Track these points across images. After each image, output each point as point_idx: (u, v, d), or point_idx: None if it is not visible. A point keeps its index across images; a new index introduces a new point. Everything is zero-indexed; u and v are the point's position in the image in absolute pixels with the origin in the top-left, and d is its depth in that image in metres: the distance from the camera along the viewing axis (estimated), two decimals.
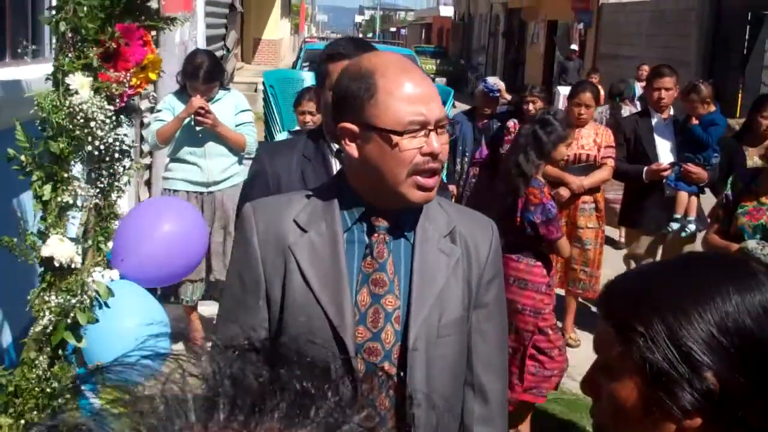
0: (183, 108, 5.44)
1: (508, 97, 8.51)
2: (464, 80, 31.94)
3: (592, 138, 6.78)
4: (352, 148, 1.85)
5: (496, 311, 2.11)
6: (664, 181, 6.56)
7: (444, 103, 8.77)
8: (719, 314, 1.24)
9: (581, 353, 6.79)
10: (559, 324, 7.12)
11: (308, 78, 8.05)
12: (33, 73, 3.69)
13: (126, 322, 2.88)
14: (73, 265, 2.40)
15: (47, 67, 4.26)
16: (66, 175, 2.39)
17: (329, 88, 2.94)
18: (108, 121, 2.39)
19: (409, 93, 1.81)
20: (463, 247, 1.99)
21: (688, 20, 20.81)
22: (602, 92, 6.90)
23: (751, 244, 4.05)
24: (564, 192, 6.68)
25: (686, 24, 20.86)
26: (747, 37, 19.47)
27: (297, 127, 6.16)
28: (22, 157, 2.41)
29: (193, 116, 5.49)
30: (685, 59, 20.23)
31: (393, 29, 78.39)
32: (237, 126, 5.77)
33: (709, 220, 4.71)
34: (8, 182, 4.24)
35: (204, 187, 5.74)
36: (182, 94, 5.61)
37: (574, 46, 23.12)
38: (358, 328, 1.89)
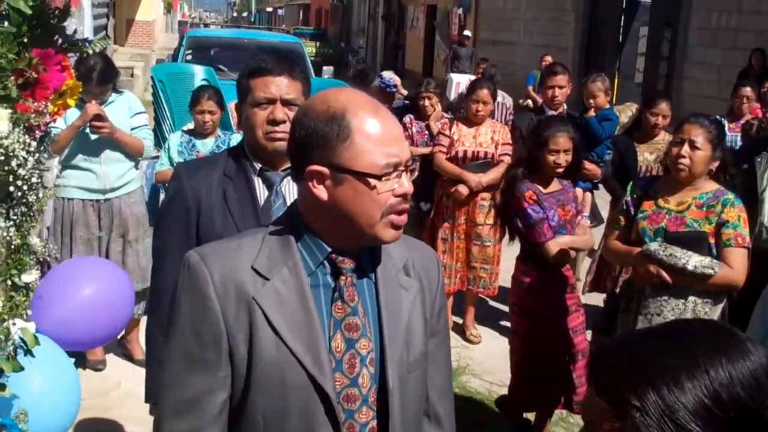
0: (77, 114, 5.19)
1: (404, 92, 8.52)
2: (345, 63, 31.86)
3: (490, 135, 6.86)
4: (321, 191, 1.80)
5: (444, 338, 2.13)
6: None
7: None
8: (713, 386, 1.24)
9: (482, 349, 6.91)
10: (459, 320, 7.23)
11: (200, 72, 7.84)
12: None
13: (33, 381, 2.72)
14: None
15: None
16: None
17: (251, 104, 2.85)
18: (31, 159, 2.23)
19: (384, 134, 1.78)
20: (417, 278, 1.99)
21: (565, 6, 21.35)
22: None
23: (653, 246, 4.16)
24: (463, 189, 6.74)
25: (564, 10, 21.39)
26: (622, 23, 20.10)
27: (190, 126, 5.99)
28: None
29: (88, 124, 5.26)
30: (563, 45, 20.77)
31: (269, 9, 77.49)
32: (132, 129, 5.57)
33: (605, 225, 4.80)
34: None
35: (101, 194, 5.51)
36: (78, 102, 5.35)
37: (467, 32, 23.13)
38: (335, 375, 1.83)
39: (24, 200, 2.32)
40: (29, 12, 2.14)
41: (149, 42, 30.05)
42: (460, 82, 11.66)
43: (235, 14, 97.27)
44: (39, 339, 2.47)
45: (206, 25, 27.60)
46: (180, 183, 2.91)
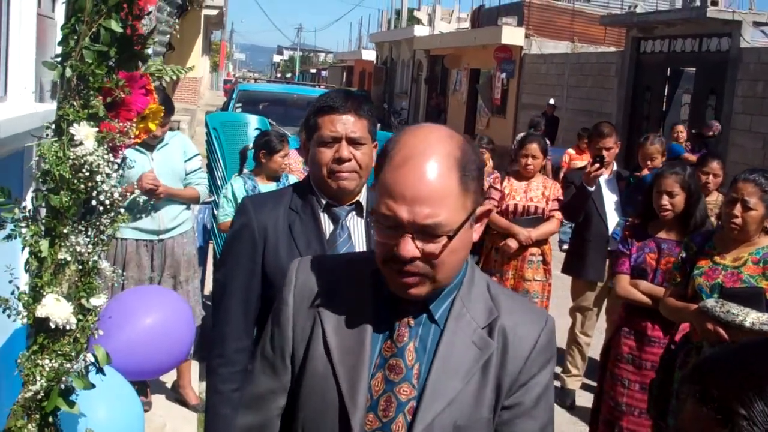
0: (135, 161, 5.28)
1: None
2: (387, 124, 32.13)
3: (541, 190, 6.86)
4: None
5: (530, 414, 1.88)
6: (609, 235, 6.66)
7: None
8: None
9: None
10: None
11: (253, 121, 7.93)
12: None
13: (98, 409, 2.73)
14: (68, 327, 2.24)
15: (5, 107, 4.09)
16: (65, 230, 2.24)
17: (317, 143, 2.87)
18: (115, 174, 2.26)
19: (393, 185, 1.73)
20: (500, 341, 1.84)
21: (609, 73, 21.43)
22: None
23: (710, 303, 4.11)
24: (512, 243, 6.71)
25: (607, 77, 21.47)
26: (666, 91, 20.12)
27: (246, 172, 6.09)
28: (6, 213, 2.26)
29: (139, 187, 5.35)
30: (606, 111, 20.80)
31: (313, 70, 78.65)
32: (188, 174, 5.64)
33: (665, 284, 4.78)
34: None
35: (155, 235, 5.55)
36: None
37: (552, 101, 21.87)
38: (368, 414, 1.79)
39: (102, 218, 2.34)
40: (120, 31, 2.19)
41: (195, 98, 30.59)
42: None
43: (278, 75, 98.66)
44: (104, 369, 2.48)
45: (255, 80, 27.95)
46: (247, 216, 2.91)
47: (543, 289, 6.87)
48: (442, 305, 1.83)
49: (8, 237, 2.28)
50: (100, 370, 2.33)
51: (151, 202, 5.44)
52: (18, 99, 4.30)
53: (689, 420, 1.33)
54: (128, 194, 5.21)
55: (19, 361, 2.23)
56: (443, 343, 1.80)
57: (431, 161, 1.71)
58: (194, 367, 6.25)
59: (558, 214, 6.81)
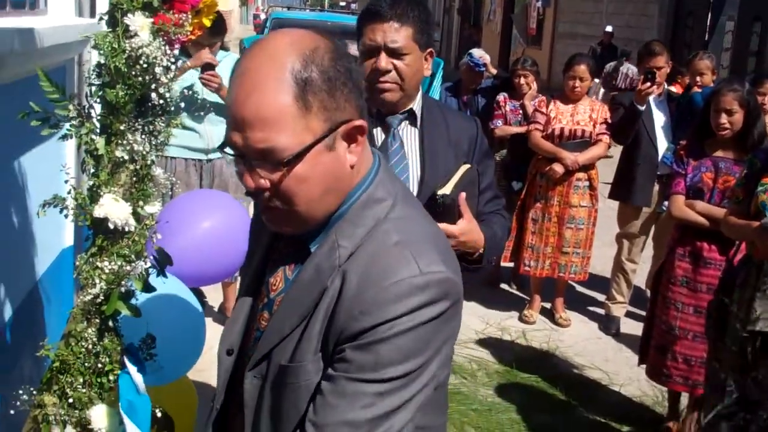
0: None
1: (494, 71, 8.34)
2: None
3: (588, 113, 6.68)
4: None
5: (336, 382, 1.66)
6: (659, 159, 6.49)
7: (433, 75, 8.58)
8: None
9: (572, 332, 6.74)
10: (548, 305, 7.06)
11: None
12: (38, 24, 3.42)
13: (159, 314, 2.67)
14: (127, 228, 2.16)
15: (47, 20, 3.99)
16: (122, 127, 2.15)
17: (360, 53, 2.75)
18: (172, 68, 2.16)
19: (227, 107, 1.61)
20: (338, 283, 1.63)
21: (650, 0, 20.89)
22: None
23: None
24: (558, 168, 6.56)
25: (648, 3, 20.93)
26: (708, 19, 19.59)
27: None
28: (59, 110, 2.16)
29: (198, 76, 5.21)
30: (645, 39, 20.28)
31: (342, 3, 77.74)
32: None
33: (726, 200, 4.63)
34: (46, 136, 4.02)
35: (203, 155, 5.48)
36: (180, 51, 5.32)
37: (609, 28, 20.31)
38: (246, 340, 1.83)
39: (150, 122, 2.24)
40: None
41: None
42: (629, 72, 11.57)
43: (308, 9, 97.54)
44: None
45: (288, 8, 27.58)
46: None
47: (589, 215, 6.73)
48: (320, 240, 1.65)
49: (63, 137, 2.19)
50: (161, 272, 2.25)
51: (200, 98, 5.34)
52: (58, 13, 4.20)
53: None
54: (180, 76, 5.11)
55: (77, 263, 2.16)
56: (295, 277, 1.68)
57: (257, 77, 1.52)
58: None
59: (606, 138, 6.64)
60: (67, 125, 2.18)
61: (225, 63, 5.50)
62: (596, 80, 7.53)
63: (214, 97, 5.41)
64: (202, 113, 5.39)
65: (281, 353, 1.62)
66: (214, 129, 5.47)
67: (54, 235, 4.47)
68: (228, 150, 1.57)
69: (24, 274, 3.91)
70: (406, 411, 1.54)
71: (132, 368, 2.23)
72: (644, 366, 5.30)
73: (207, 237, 3.22)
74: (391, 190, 1.67)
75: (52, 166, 4.05)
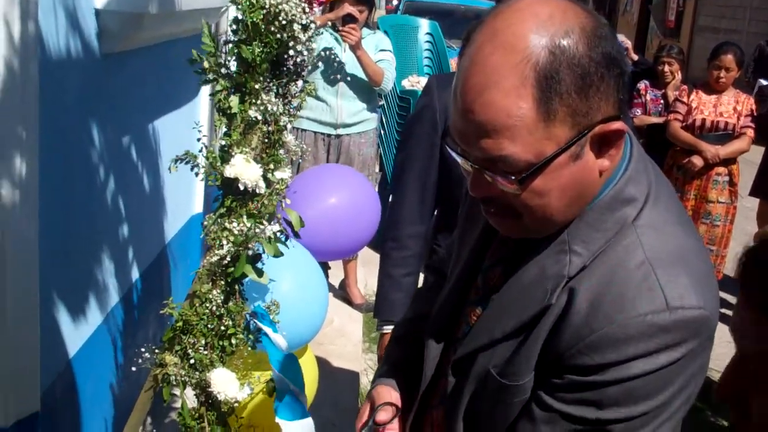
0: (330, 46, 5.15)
1: (635, 57, 8.03)
2: None
3: (732, 105, 6.35)
4: None
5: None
6: None
7: None
8: None
9: None
10: None
11: (425, 25, 7.68)
12: None
13: (285, 281, 2.63)
14: (257, 190, 2.11)
15: None
16: (256, 86, 2.10)
17: None
18: (312, 26, 2.09)
19: (452, 93, 1.34)
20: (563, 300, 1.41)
21: None
22: None
23: None
24: (697, 161, 6.27)
25: None
26: None
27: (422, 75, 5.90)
28: (205, 63, 2.13)
29: (338, 29, 5.17)
30: None
31: None
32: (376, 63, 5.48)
33: None
34: (185, 94, 4.09)
35: (332, 129, 5.46)
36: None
37: None
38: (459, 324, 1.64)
39: (296, 77, 2.18)
40: None
41: None
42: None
43: None
44: (290, 243, 2.36)
45: None
46: (430, 97, 2.75)
47: (727, 212, 6.40)
48: (550, 237, 1.41)
49: (206, 82, 2.15)
50: (294, 234, 2.20)
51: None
52: None
53: (738, 325, 1.05)
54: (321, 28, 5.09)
55: (205, 224, 2.13)
56: (516, 274, 1.43)
57: (489, 71, 1.24)
58: (361, 266, 6.21)
59: (750, 131, 6.30)
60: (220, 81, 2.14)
61: (368, 40, 5.44)
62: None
63: (351, 68, 5.37)
64: (337, 77, 5.35)
65: (489, 357, 1.44)
66: (345, 104, 5.43)
67: (185, 201, 4.52)
68: (450, 143, 1.35)
69: (154, 237, 3.97)
70: None
71: (268, 329, 2.19)
72: None
73: (335, 211, 3.17)
74: (643, 188, 1.38)
75: (186, 131, 4.10)
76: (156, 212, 3.92)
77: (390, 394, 1.65)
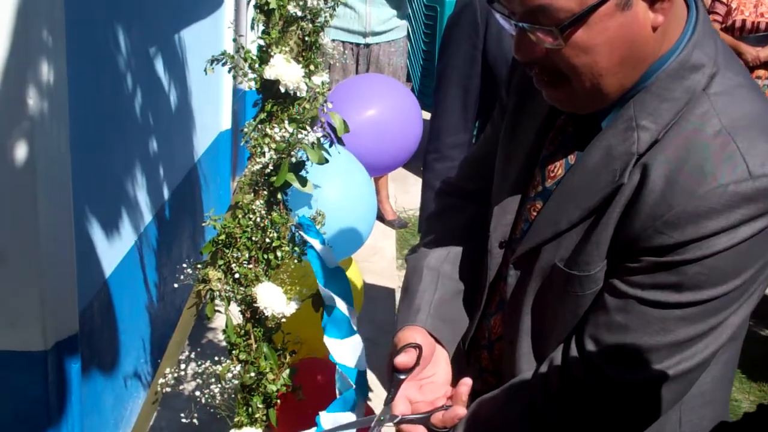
0: None
1: None
2: None
3: None
4: None
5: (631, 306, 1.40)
6: None
7: None
8: None
9: None
10: None
11: None
12: None
13: (331, 190, 2.52)
14: (298, 93, 1.98)
15: None
16: None
17: None
18: None
19: None
20: (637, 177, 1.33)
21: None
22: None
23: None
24: None
25: None
26: None
27: None
28: None
29: None
30: None
31: None
32: None
33: None
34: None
35: (361, 37, 5.28)
36: None
37: None
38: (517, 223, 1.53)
39: None
40: None
41: None
42: None
43: None
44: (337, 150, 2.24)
45: None
46: None
47: None
48: (614, 115, 1.31)
49: None
50: (338, 140, 2.07)
51: None
52: None
53: None
54: None
55: (245, 130, 2.01)
56: (579, 160, 1.35)
57: None
58: (391, 182, 6.10)
59: None
60: None
61: None
62: None
63: None
64: None
65: (555, 250, 1.35)
66: (374, 11, 5.24)
67: (213, 117, 4.41)
68: (496, 6, 1.26)
69: (184, 153, 3.87)
70: (713, 336, 1.25)
71: (315, 241, 2.08)
72: None
73: (378, 122, 3.03)
74: (711, 53, 1.26)
75: (214, 40, 3.95)
76: (185, 128, 3.82)
77: (413, 335, 1.52)
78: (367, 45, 5.33)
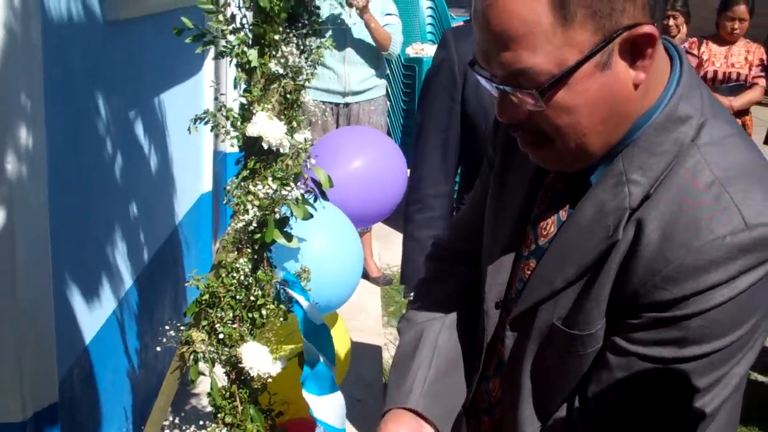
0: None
1: None
2: None
3: (743, 56, 6.22)
4: None
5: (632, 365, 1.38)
6: None
7: None
8: None
9: None
10: None
11: None
12: None
13: (316, 245, 2.49)
14: (281, 150, 1.97)
15: None
16: (276, 37, 1.95)
17: None
18: None
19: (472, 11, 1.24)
20: (631, 233, 1.30)
21: None
22: None
23: None
24: None
25: None
26: None
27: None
28: (213, 22, 1.98)
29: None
30: None
31: None
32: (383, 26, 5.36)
33: None
34: (190, 65, 3.94)
35: (340, 97, 5.31)
36: None
37: None
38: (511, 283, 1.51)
39: (312, 32, 2.04)
40: None
41: None
42: None
43: None
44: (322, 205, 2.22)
45: None
46: (447, 50, 2.62)
47: None
48: (603, 170, 1.29)
49: (220, 55, 2.01)
50: (322, 195, 2.06)
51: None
52: None
53: None
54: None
55: (228, 188, 1.99)
56: (571, 217, 1.32)
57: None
58: (375, 240, 6.08)
59: (762, 81, 6.18)
60: (222, 42, 1.99)
61: (374, 3, 5.30)
62: None
63: (358, 33, 5.24)
64: (344, 43, 5.21)
65: (552, 309, 1.33)
66: (353, 71, 5.29)
67: (193, 179, 4.39)
68: (477, 69, 1.25)
69: (164, 217, 3.84)
70: (719, 388, 1.23)
71: (300, 297, 2.05)
72: None
73: (362, 174, 3.02)
74: (697, 104, 1.25)
75: (192, 104, 3.95)
76: (166, 191, 3.79)
77: (397, 428, 1.48)
78: (347, 104, 5.36)
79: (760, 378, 4.90)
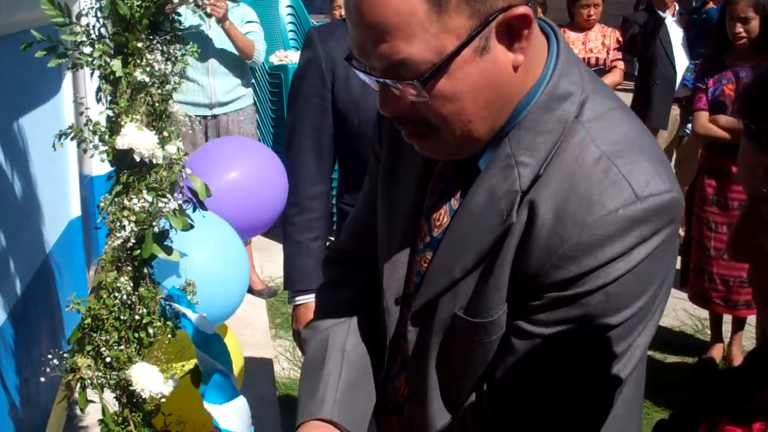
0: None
1: None
2: None
3: (600, 40, 6.43)
4: None
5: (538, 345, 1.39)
6: (679, 80, 6.28)
7: None
8: None
9: None
10: None
11: None
12: None
13: (199, 256, 2.43)
14: (154, 161, 1.90)
15: None
16: (139, 45, 1.88)
17: None
18: None
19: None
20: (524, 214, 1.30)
21: None
22: None
23: None
24: None
25: None
26: None
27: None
28: (66, 35, 1.90)
29: (201, 3, 4.97)
30: None
31: None
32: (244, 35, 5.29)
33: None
34: (47, 87, 3.76)
35: (208, 109, 5.22)
36: None
37: None
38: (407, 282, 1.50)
39: (169, 41, 1.99)
40: None
41: None
42: None
43: None
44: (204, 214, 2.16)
45: None
46: (313, 50, 2.61)
47: None
48: (491, 155, 1.28)
49: (74, 66, 1.92)
50: (200, 205, 2.00)
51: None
52: None
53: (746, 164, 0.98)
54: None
55: (101, 205, 1.91)
56: (463, 204, 1.31)
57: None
58: (255, 252, 6.00)
59: (620, 64, 6.39)
60: (76, 53, 1.91)
61: (233, 12, 5.24)
62: None
63: (219, 43, 5.16)
64: (206, 54, 5.13)
65: (453, 300, 1.31)
66: (218, 82, 5.22)
67: (61, 205, 4.22)
68: (355, 63, 1.22)
69: (33, 248, 3.67)
70: (624, 361, 1.24)
71: (187, 311, 1.98)
72: (678, 297, 5.09)
73: (237, 186, 2.96)
74: (577, 80, 1.25)
75: (52, 127, 3.80)
76: (32, 220, 3.63)
77: None
78: (215, 116, 5.29)
79: (670, 359, 5.07)
